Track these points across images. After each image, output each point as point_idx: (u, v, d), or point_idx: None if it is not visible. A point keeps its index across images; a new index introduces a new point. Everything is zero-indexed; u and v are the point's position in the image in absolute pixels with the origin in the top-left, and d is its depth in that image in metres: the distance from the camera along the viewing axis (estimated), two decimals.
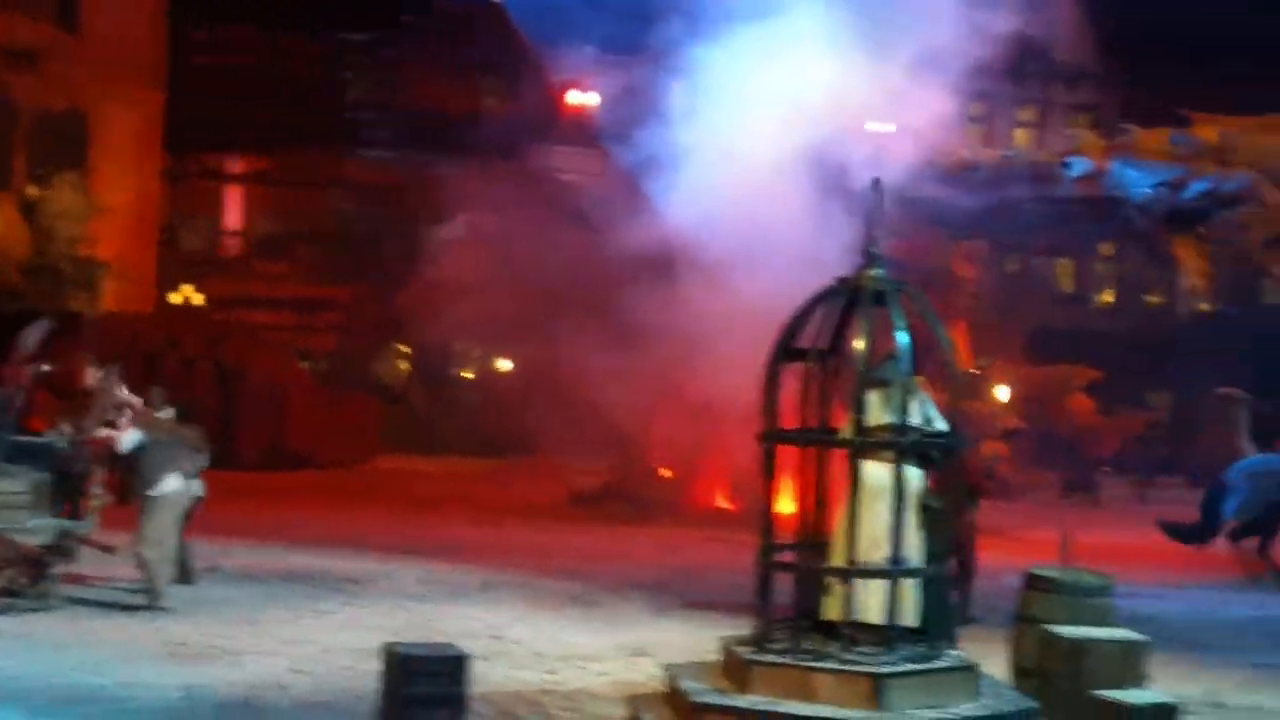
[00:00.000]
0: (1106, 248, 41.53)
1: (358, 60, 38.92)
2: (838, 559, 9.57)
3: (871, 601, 9.42)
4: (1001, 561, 18.08)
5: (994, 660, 11.02)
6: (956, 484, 14.83)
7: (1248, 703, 11.89)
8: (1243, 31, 36.91)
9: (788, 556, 9.93)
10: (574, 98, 26.70)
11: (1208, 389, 36.14)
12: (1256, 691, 12.34)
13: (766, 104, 20.09)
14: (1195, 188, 20.17)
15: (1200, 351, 35.13)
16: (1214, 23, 36.32)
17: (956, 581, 14.22)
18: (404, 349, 38.28)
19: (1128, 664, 10.23)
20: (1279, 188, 19.78)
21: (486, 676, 11.15)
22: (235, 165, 39.33)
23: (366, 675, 10.56)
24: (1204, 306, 45.23)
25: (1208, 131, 21.13)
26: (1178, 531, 19.76)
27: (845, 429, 9.70)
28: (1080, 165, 21.76)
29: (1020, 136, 40.63)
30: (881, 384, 9.58)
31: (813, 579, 9.79)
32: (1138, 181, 20.68)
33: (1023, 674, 10.72)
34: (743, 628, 9.91)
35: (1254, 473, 19.22)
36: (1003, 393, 24.72)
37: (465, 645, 10.31)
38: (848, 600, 9.40)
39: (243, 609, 14.17)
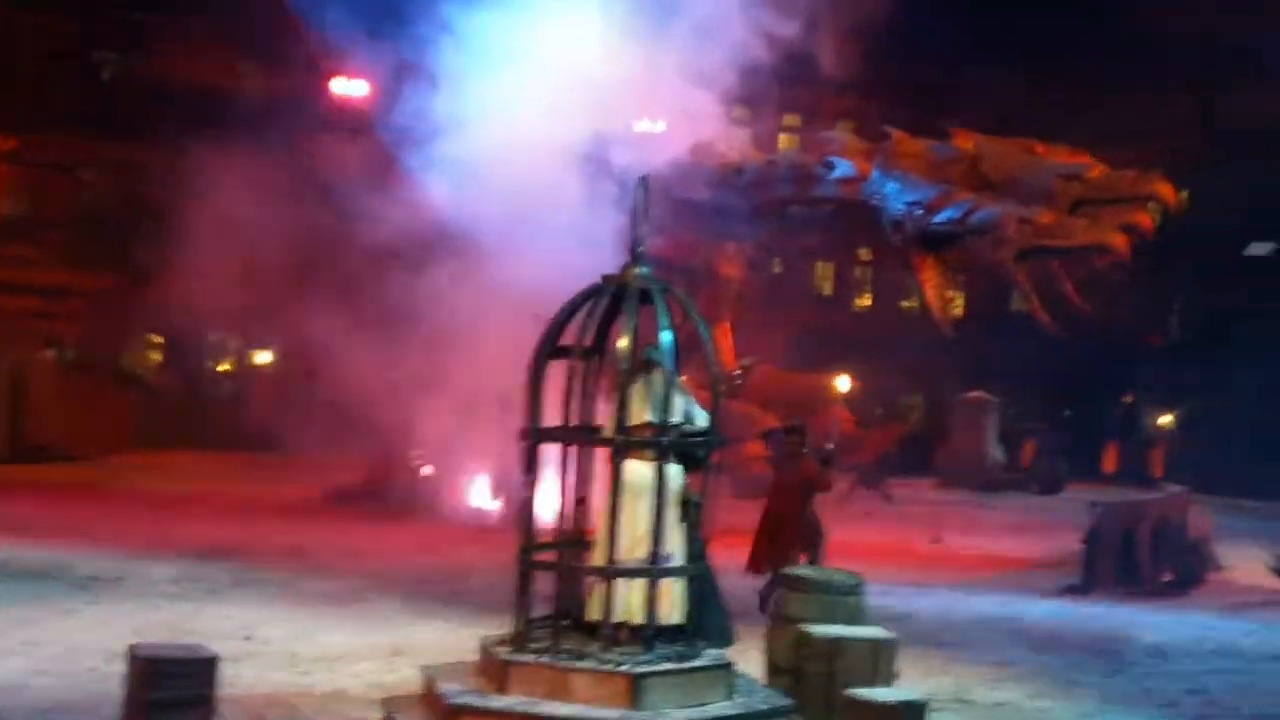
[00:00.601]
0: (865, 253, 42.59)
1: (113, 38, 37.53)
2: (598, 558, 9.55)
3: (633, 600, 9.42)
4: None
5: (750, 659, 11.14)
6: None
7: (993, 698, 12.25)
8: (1001, 53, 38.32)
9: (548, 555, 9.87)
10: (340, 85, 26.20)
11: (958, 393, 37.42)
12: (1001, 687, 12.74)
13: (534, 90, 20.06)
14: (946, 214, 20.68)
15: (952, 356, 36.29)
16: (977, 45, 37.63)
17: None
18: (156, 339, 37.18)
19: (879, 662, 10.43)
20: (1028, 205, 20.44)
21: (237, 678, 10.87)
22: None
23: (112, 677, 10.18)
24: (957, 312, 46.80)
25: (965, 142, 21.74)
26: None
27: (607, 427, 9.69)
28: (843, 167, 22.13)
29: (785, 141, 41.43)
30: (647, 366, 9.58)
31: (573, 578, 9.76)
32: (895, 195, 21.14)
33: (777, 672, 10.85)
34: (502, 627, 9.82)
35: None
36: (842, 383, 24.88)
37: (216, 646, 10.02)
38: (608, 599, 9.38)
39: None
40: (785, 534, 15.20)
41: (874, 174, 21.48)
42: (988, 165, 20.91)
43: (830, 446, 16.92)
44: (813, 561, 14.91)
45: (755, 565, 15.06)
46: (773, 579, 14.46)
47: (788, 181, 22.86)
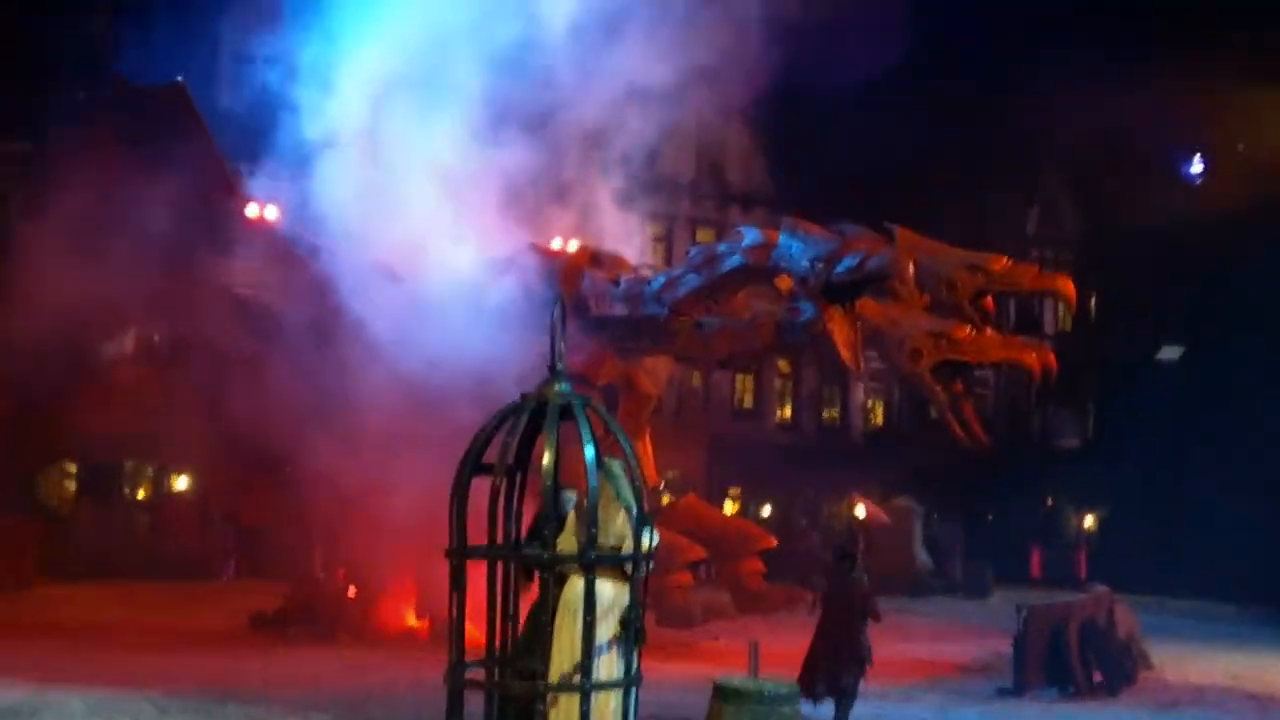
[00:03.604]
0: (784, 364, 42.87)
1: (13, 170, 37.00)
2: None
3: (570, 716, 9.31)
4: (691, 672, 18.25)
5: None
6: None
7: None
8: (907, 164, 38.95)
9: (478, 674, 9.73)
10: (254, 210, 26.12)
11: (882, 501, 37.61)
12: None
13: (452, 225, 20.24)
14: (846, 263, 20.96)
15: (873, 465, 36.55)
16: (881, 153, 38.25)
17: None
18: (70, 468, 36.57)
19: None
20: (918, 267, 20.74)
21: None
22: None
23: None
24: (876, 422, 47.16)
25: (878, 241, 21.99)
26: None
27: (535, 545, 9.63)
28: (751, 235, 22.24)
29: None
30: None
31: (504, 696, 9.62)
32: (800, 254, 21.33)
33: None
34: None
35: None
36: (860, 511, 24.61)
37: None
38: (544, 716, 9.26)
39: None
40: (841, 657, 15.71)
41: (781, 237, 21.61)
42: (898, 244, 21.06)
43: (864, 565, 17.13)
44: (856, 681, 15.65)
45: (808, 688, 15.33)
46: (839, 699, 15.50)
47: (695, 270, 22.71)
